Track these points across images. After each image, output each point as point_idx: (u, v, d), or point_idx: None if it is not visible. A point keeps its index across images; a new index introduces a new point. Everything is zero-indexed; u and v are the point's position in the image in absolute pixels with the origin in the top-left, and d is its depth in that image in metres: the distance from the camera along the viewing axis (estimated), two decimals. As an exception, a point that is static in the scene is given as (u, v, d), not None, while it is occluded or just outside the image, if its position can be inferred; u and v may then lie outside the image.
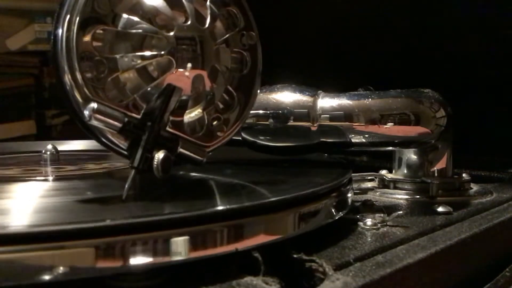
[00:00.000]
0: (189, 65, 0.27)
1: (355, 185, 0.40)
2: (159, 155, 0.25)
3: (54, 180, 0.33)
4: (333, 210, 0.30)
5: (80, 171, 0.36)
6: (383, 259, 0.26)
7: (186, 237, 0.22)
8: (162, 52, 0.26)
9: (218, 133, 0.29)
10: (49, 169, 0.37)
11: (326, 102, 0.37)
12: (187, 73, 0.27)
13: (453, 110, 0.38)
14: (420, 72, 0.57)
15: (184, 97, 0.27)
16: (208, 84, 0.28)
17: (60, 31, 0.25)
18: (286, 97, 0.38)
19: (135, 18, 0.26)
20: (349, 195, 0.33)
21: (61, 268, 0.19)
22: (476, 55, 0.56)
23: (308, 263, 0.24)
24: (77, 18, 0.25)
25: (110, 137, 0.26)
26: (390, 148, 0.40)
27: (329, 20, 0.65)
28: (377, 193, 0.41)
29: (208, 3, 0.28)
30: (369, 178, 0.44)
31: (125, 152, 0.26)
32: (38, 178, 0.33)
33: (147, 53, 0.26)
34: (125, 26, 0.26)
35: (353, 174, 0.36)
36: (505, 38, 0.55)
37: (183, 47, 0.26)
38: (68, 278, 0.19)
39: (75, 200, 0.27)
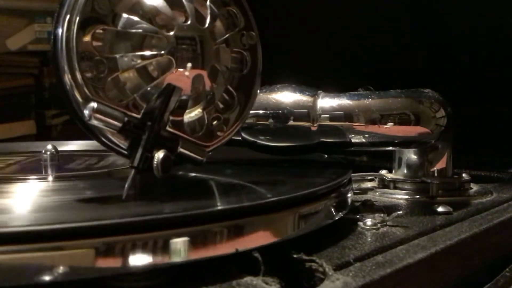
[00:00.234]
0: (189, 65, 0.27)
1: (355, 185, 0.40)
2: (159, 154, 0.25)
3: (54, 180, 0.33)
4: (333, 210, 0.30)
5: (80, 171, 0.36)
6: (383, 259, 0.26)
7: (186, 238, 0.22)
8: (162, 52, 0.26)
9: (218, 133, 0.29)
10: (49, 169, 0.37)
11: (326, 102, 0.37)
12: (187, 73, 0.27)
13: (453, 110, 0.38)
14: (420, 72, 0.57)
15: (184, 97, 0.27)
16: (208, 84, 0.28)
17: (60, 31, 0.25)
18: (286, 97, 0.38)
19: (135, 18, 0.26)
20: (349, 195, 0.33)
21: (61, 268, 0.19)
22: (476, 55, 0.56)
23: (308, 263, 0.24)
24: (77, 18, 0.25)
25: (110, 136, 0.26)
26: (390, 148, 0.40)
27: (329, 20, 0.65)
28: (377, 193, 0.41)
29: (208, 3, 0.28)
30: (369, 178, 0.44)
31: (125, 152, 0.26)
32: (38, 178, 0.33)
33: (147, 52, 0.26)
34: (125, 26, 0.26)
35: (353, 174, 0.36)
36: (505, 38, 0.55)
37: (183, 47, 0.26)
38: (68, 278, 0.19)
39: (75, 200, 0.27)
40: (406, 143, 0.38)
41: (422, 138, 0.38)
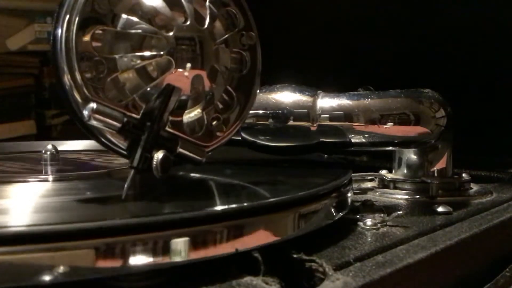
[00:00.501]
0: (188, 65, 0.27)
1: (355, 185, 0.40)
2: (159, 155, 0.25)
3: (54, 180, 0.33)
4: (333, 211, 0.30)
5: (80, 171, 0.36)
6: (383, 259, 0.26)
7: (186, 238, 0.22)
8: (162, 52, 0.26)
9: (218, 133, 0.29)
10: (49, 169, 0.37)
11: (326, 102, 0.37)
12: (186, 73, 0.27)
13: (453, 110, 0.38)
14: (420, 72, 0.57)
15: (183, 97, 0.27)
16: (207, 84, 0.28)
17: (59, 31, 0.25)
18: (286, 97, 0.38)
19: (135, 19, 0.26)
20: (349, 195, 0.33)
21: (61, 268, 0.19)
22: (476, 55, 0.56)
23: (308, 263, 0.24)
24: (77, 18, 0.24)
25: (109, 137, 0.26)
26: (390, 148, 0.40)
27: (329, 20, 0.65)
28: (377, 193, 0.41)
29: (207, 3, 0.28)
30: (369, 178, 0.44)
31: (125, 152, 0.26)
32: (38, 178, 0.33)
33: (147, 53, 0.26)
34: (124, 27, 0.26)
35: (353, 174, 0.36)
36: (505, 38, 0.55)
37: (182, 47, 0.26)
38: (68, 278, 0.19)
39: (75, 200, 0.27)
40: (406, 143, 0.38)
41: (422, 138, 0.37)
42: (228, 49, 0.29)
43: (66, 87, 0.25)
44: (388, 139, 0.37)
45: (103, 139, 0.26)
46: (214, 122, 0.29)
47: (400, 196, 0.40)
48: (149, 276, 0.21)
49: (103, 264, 0.20)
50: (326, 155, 0.43)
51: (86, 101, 0.25)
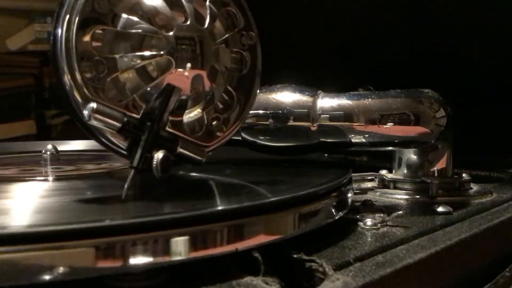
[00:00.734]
0: (188, 65, 0.27)
1: (355, 185, 0.40)
2: (159, 155, 0.25)
3: (54, 180, 0.33)
4: (333, 210, 0.30)
5: (80, 171, 0.36)
6: (383, 259, 0.26)
7: (186, 237, 0.22)
8: (162, 52, 0.26)
9: (218, 133, 0.29)
10: (49, 169, 0.37)
11: (326, 102, 0.37)
12: (186, 73, 0.27)
13: (453, 110, 0.38)
14: (420, 72, 0.57)
15: (183, 97, 0.27)
16: (207, 84, 0.28)
17: (59, 31, 0.25)
18: (286, 97, 0.38)
19: (135, 18, 0.26)
20: (349, 195, 0.33)
21: (61, 268, 0.19)
22: (476, 55, 0.56)
23: (308, 263, 0.24)
24: (77, 18, 0.24)
25: (109, 137, 0.26)
26: (390, 148, 0.40)
27: (329, 20, 0.65)
28: (377, 193, 0.41)
29: (207, 3, 0.28)
30: (369, 178, 0.44)
31: (125, 152, 0.26)
32: (38, 178, 0.33)
33: (147, 53, 0.26)
34: (124, 26, 0.26)
35: (353, 174, 0.36)
36: (505, 38, 0.55)
37: (182, 47, 0.26)
38: (68, 278, 0.19)
39: (74, 200, 0.27)
40: (406, 143, 0.38)
41: (422, 138, 0.37)
42: (228, 49, 0.29)
43: (66, 87, 0.25)
44: (388, 139, 0.37)
45: (103, 139, 0.26)
46: (214, 122, 0.29)
47: (400, 196, 0.40)
48: (149, 276, 0.21)
49: (103, 263, 0.20)
50: (326, 155, 0.43)
51: (86, 101, 0.25)
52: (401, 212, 0.33)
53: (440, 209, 0.36)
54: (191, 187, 0.31)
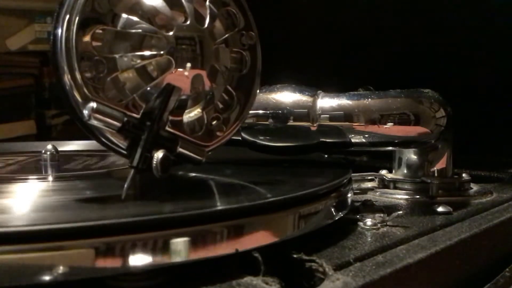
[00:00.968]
0: (188, 64, 0.27)
1: (355, 185, 0.40)
2: (158, 154, 0.25)
3: (54, 180, 0.33)
4: (333, 210, 0.30)
5: (80, 171, 0.36)
6: (383, 259, 0.26)
7: (186, 238, 0.22)
8: (162, 52, 0.26)
9: (218, 133, 0.29)
10: (49, 169, 0.37)
11: (326, 102, 0.37)
12: (186, 73, 0.27)
13: (453, 110, 0.38)
14: (420, 72, 0.57)
15: (183, 97, 0.27)
16: (207, 83, 0.28)
17: (59, 31, 0.25)
18: (286, 97, 0.38)
19: (135, 18, 0.26)
20: (349, 195, 0.33)
21: (61, 268, 0.19)
22: (476, 55, 0.56)
23: (308, 263, 0.24)
24: (77, 18, 0.24)
25: (109, 136, 0.26)
26: (390, 148, 0.40)
27: (329, 20, 0.65)
28: (377, 193, 0.41)
29: (207, 3, 0.28)
30: (369, 178, 0.44)
31: (124, 152, 0.26)
32: (38, 178, 0.33)
33: (147, 53, 0.26)
34: (124, 26, 0.26)
35: (353, 174, 0.36)
36: (505, 38, 0.55)
37: (182, 47, 0.26)
38: (68, 278, 0.19)
39: (74, 199, 0.27)
40: (406, 143, 0.38)
41: (422, 138, 0.37)
42: (228, 48, 0.29)
43: (66, 87, 0.25)
44: (388, 139, 0.37)
45: (103, 139, 0.26)
46: (214, 122, 0.29)
47: (400, 196, 0.40)
48: (149, 276, 0.21)
49: (103, 264, 0.20)
50: (326, 155, 0.43)
51: (86, 100, 0.25)
52: (401, 212, 0.33)
53: (440, 209, 0.36)
54: (191, 187, 0.31)
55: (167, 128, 0.27)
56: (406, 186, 0.41)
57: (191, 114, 0.28)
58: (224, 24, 0.29)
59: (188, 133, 0.28)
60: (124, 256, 0.20)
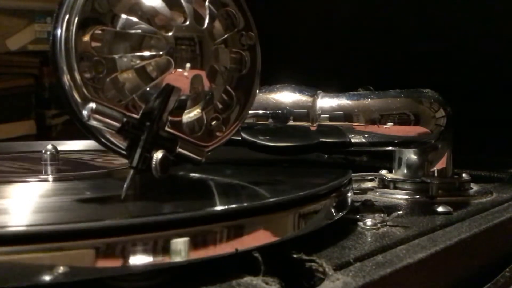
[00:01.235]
0: (188, 65, 0.27)
1: (355, 185, 0.40)
2: (158, 155, 0.25)
3: (53, 180, 0.33)
4: (333, 211, 0.29)
5: (80, 171, 0.36)
6: (383, 259, 0.26)
7: (186, 238, 0.22)
8: (161, 52, 0.26)
9: (217, 133, 0.29)
10: (49, 169, 0.37)
11: (326, 102, 0.37)
12: (186, 73, 0.27)
13: (453, 110, 0.38)
14: (420, 72, 0.57)
15: (183, 97, 0.27)
16: (207, 84, 0.28)
17: (58, 31, 0.25)
18: (286, 97, 0.38)
19: (134, 19, 0.26)
20: (349, 195, 0.33)
21: (61, 268, 0.19)
22: (476, 55, 0.56)
23: (308, 263, 0.24)
24: (76, 18, 0.24)
25: (109, 137, 0.26)
26: (390, 148, 0.40)
27: (329, 20, 0.65)
28: (377, 193, 0.41)
29: (207, 3, 0.28)
30: (369, 178, 0.44)
31: (124, 152, 0.26)
32: (38, 178, 0.33)
33: (146, 53, 0.26)
34: (124, 27, 0.26)
35: (353, 174, 0.36)
36: (505, 38, 0.55)
37: (182, 47, 0.26)
38: (68, 279, 0.19)
39: (74, 200, 0.27)
40: (406, 143, 0.38)
41: (422, 138, 0.37)
42: (228, 49, 0.29)
43: (65, 87, 0.25)
44: (388, 139, 0.37)
45: (102, 139, 0.26)
46: (214, 122, 0.29)
47: (400, 196, 0.40)
48: (149, 276, 0.21)
49: (103, 264, 0.20)
50: (326, 155, 0.43)
51: (86, 101, 0.25)
52: (401, 212, 0.33)
53: (440, 209, 0.36)
54: (191, 187, 0.31)
55: (167, 129, 0.27)
56: (406, 186, 0.41)
57: (191, 114, 0.28)
58: (223, 25, 0.29)
59: (187, 133, 0.28)
60: (124, 257, 0.20)
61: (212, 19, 0.28)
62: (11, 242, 0.19)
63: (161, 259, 0.21)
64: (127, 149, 0.26)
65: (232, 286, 0.22)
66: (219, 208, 0.24)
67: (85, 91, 0.25)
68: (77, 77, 0.24)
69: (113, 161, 0.39)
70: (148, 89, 0.26)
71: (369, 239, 0.29)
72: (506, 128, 0.55)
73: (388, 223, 0.32)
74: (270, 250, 0.24)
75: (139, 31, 0.26)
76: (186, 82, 0.27)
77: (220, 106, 0.29)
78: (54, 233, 0.19)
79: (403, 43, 0.60)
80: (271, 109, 0.38)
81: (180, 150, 0.27)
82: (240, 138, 0.38)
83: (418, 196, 0.40)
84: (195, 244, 0.22)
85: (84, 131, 0.26)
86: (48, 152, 0.39)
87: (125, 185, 0.25)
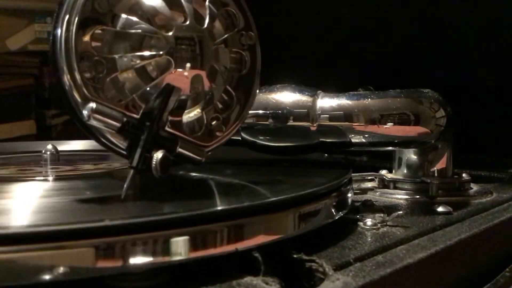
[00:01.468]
0: (188, 65, 0.27)
1: (355, 185, 0.40)
2: (158, 155, 0.25)
3: (53, 180, 0.33)
4: (333, 210, 0.30)
5: (80, 171, 0.36)
6: (383, 259, 0.26)
7: (186, 237, 0.22)
8: (161, 52, 0.26)
9: (217, 133, 0.29)
10: (49, 169, 0.37)
11: (326, 102, 0.37)
12: (186, 73, 0.27)
13: (453, 110, 0.38)
14: (420, 72, 0.57)
15: (183, 97, 0.27)
16: (207, 84, 0.28)
17: (59, 31, 0.25)
18: (286, 97, 0.38)
19: (134, 18, 0.26)
20: (349, 195, 0.33)
21: (61, 268, 0.19)
22: (476, 55, 0.56)
23: (308, 263, 0.24)
24: (76, 18, 0.24)
25: (109, 137, 0.26)
26: (390, 148, 0.40)
27: (329, 20, 0.65)
28: (377, 193, 0.41)
29: (207, 3, 0.28)
30: (369, 178, 0.44)
31: (124, 152, 0.26)
32: (38, 178, 0.33)
33: (146, 53, 0.26)
34: (124, 26, 0.26)
35: (353, 174, 0.36)
36: (505, 38, 0.55)
37: (182, 47, 0.26)
38: (68, 278, 0.19)
39: (74, 200, 0.27)
40: (406, 143, 0.38)
41: (422, 138, 0.37)
42: (228, 49, 0.29)
43: (65, 87, 0.25)
44: (388, 139, 0.37)
45: (102, 139, 0.26)
46: (214, 122, 0.29)
47: (400, 196, 0.40)
48: (149, 276, 0.21)
49: (103, 263, 0.20)
50: (326, 155, 0.43)
51: (86, 101, 0.25)
52: (401, 212, 0.33)
53: (440, 209, 0.36)
54: (191, 187, 0.31)
55: (167, 128, 0.27)
56: (406, 186, 0.41)
57: (191, 114, 0.28)
58: (223, 24, 0.29)
59: (187, 133, 0.28)
60: (124, 256, 0.20)
61: (212, 19, 0.28)
62: (11, 241, 0.19)
63: (161, 259, 0.21)
64: (127, 149, 0.26)
65: (232, 286, 0.22)
66: (219, 207, 0.24)
67: (85, 91, 0.25)
68: (77, 77, 0.24)
69: (113, 161, 0.39)
70: (148, 89, 0.26)
71: (369, 239, 0.29)
72: (506, 128, 0.55)
73: (388, 223, 0.32)
74: (270, 250, 0.24)
75: (139, 31, 0.26)
76: (186, 82, 0.27)
77: (220, 106, 0.29)
78: (54, 233, 0.19)
79: (403, 43, 0.60)
80: (271, 109, 0.38)
81: (180, 150, 0.27)
82: (240, 138, 0.38)
83: (418, 196, 0.40)
84: (195, 244, 0.22)
85: (84, 131, 0.26)
86: (48, 152, 0.39)
87: (125, 185, 0.25)
